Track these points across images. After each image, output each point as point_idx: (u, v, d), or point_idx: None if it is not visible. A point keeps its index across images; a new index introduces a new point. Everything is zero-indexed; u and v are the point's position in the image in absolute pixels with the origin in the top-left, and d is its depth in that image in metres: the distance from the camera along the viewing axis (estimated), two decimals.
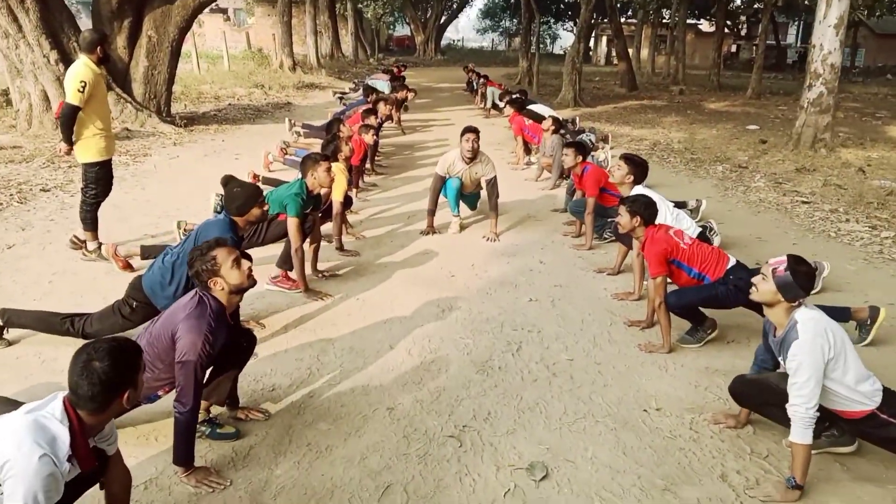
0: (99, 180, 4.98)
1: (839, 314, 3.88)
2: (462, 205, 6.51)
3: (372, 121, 8.22)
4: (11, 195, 6.58)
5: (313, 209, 4.84)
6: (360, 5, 40.19)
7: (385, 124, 11.22)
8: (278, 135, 10.71)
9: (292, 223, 4.44)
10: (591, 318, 4.40)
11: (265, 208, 3.63)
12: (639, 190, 4.77)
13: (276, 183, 7.13)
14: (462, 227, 6.38)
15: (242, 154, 9.58)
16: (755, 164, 10.18)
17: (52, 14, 9.38)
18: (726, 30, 31.66)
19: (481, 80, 17.69)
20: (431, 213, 6.18)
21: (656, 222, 4.08)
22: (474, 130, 6.00)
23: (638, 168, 4.86)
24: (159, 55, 10.77)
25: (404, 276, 5.06)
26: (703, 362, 3.88)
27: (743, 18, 38.43)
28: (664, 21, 34.84)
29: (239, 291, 2.80)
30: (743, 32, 44.29)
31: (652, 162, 10.33)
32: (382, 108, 9.39)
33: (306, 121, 11.98)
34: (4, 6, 8.67)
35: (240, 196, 3.55)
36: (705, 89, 24.58)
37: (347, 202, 5.74)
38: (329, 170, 4.66)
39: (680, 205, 6.22)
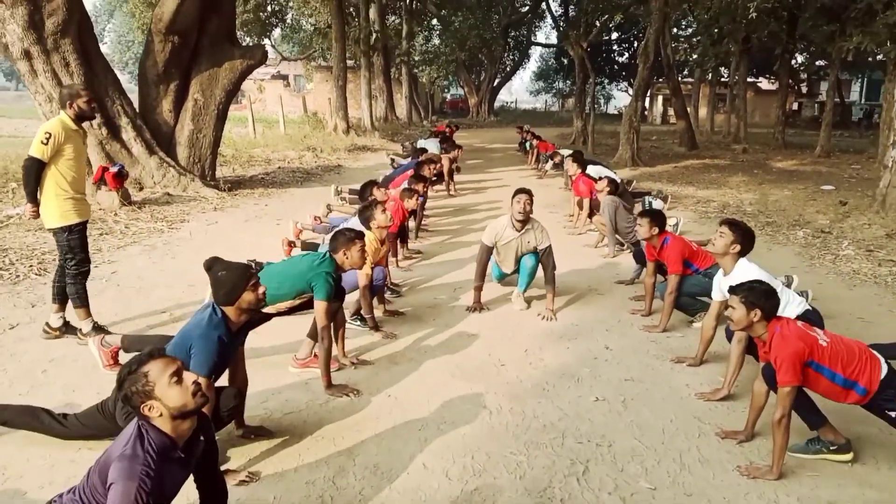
0: (74, 248, 4.46)
1: None
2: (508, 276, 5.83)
3: (419, 186, 7.69)
4: (31, 266, 6.19)
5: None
6: (415, 70, 40.95)
7: (435, 186, 10.72)
8: (324, 198, 10.30)
9: (321, 307, 3.80)
10: (673, 427, 3.57)
11: (260, 291, 3.02)
12: (745, 265, 3.99)
13: (314, 247, 6.60)
14: (528, 302, 5.69)
15: (285, 219, 9.14)
16: (839, 228, 9.20)
17: (96, 77, 9.30)
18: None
19: (535, 140, 17.22)
20: (478, 287, 5.49)
21: None
22: (527, 192, 5.38)
23: (745, 237, 4.09)
24: (205, 118, 10.61)
25: (446, 366, 4.34)
26: (825, 494, 3.00)
27: (804, 76, 37.44)
28: (722, 79, 34.11)
29: (183, 416, 2.13)
30: (804, 90, 43.12)
31: None
32: (427, 170, 8.87)
33: (354, 185, 11.60)
34: (49, 70, 8.58)
35: (226, 281, 2.95)
36: (769, 148, 23.63)
37: (376, 274, 5.12)
38: (363, 251, 4.06)
39: None
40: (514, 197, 5.38)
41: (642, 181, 13.27)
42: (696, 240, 8.24)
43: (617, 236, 7.62)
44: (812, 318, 3.83)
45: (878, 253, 7.75)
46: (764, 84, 43.17)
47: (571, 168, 9.47)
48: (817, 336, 3.14)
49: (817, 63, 27.44)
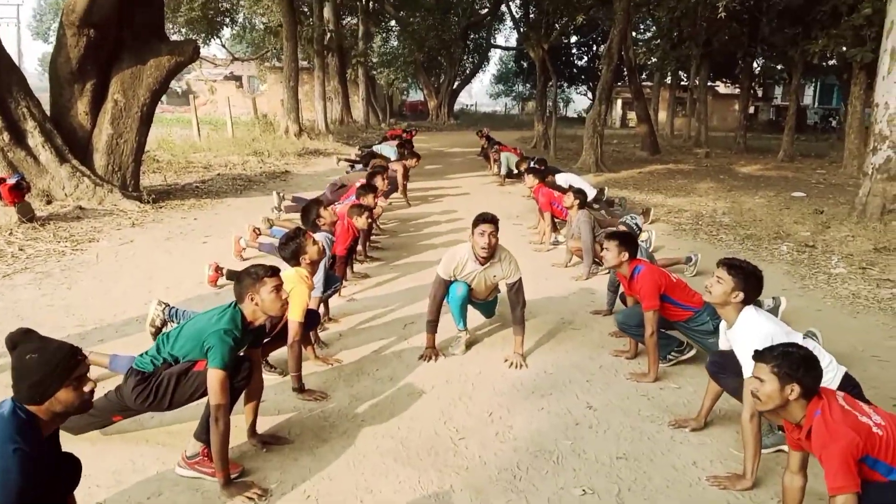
0: None
1: None
2: (472, 312, 4.89)
3: (368, 200, 6.71)
4: None
5: (252, 346, 3.23)
6: (372, 72, 39.83)
7: (388, 198, 9.77)
8: (264, 210, 9.24)
9: (215, 377, 2.81)
10: None
11: (86, 389, 2.04)
12: (751, 317, 3.10)
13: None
14: (469, 346, 4.73)
15: (214, 235, 8.05)
16: (822, 241, 8.53)
17: None
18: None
19: (495, 146, 16.39)
20: (432, 327, 4.50)
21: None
22: (492, 221, 4.31)
23: (749, 281, 3.18)
24: (126, 121, 9.37)
25: (388, 442, 3.37)
26: None
27: (761, 80, 37.52)
28: (682, 83, 33.95)
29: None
30: (760, 94, 43.30)
31: (699, 240, 8.76)
32: (380, 180, 7.89)
33: (300, 193, 10.56)
34: None
35: (35, 369, 1.97)
36: (731, 152, 23.46)
37: (312, 319, 4.13)
38: (278, 290, 3.07)
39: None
40: (475, 226, 4.34)
41: (609, 188, 12.51)
42: (671, 256, 7.58)
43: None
44: (849, 385, 2.99)
45: (871, 271, 7.07)
46: (721, 88, 43.27)
47: (528, 180, 8.59)
48: (870, 420, 2.29)
49: (779, 67, 27.22)
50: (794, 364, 2.32)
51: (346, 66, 34.34)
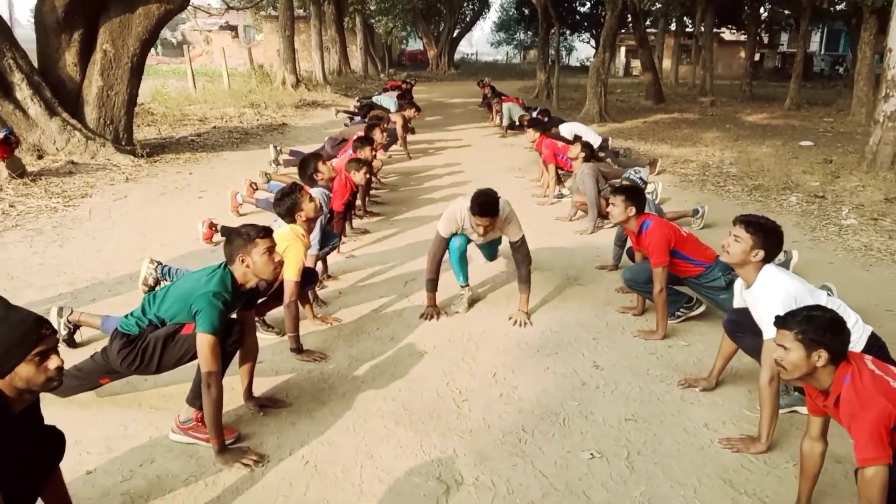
0: None
1: None
2: (476, 269, 4.74)
3: (366, 153, 6.50)
4: None
5: (245, 308, 3.09)
6: (370, 20, 38.85)
7: (388, 150, 9.54)
8: (261, 164, 9.03)
9: (205, 342, 2.68)
10: (699, 499, 2.59)
11: (52, 367, 1.90)
12: (772, 276, 2.94)
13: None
14: (471, 303, 4.59)
15: (210, 190, 7.86)
16: (832, 192, 8.34)
17: None
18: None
19: (497, 97, 16.02)
20: (432, 286, 4.35)
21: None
22: (488, 213, 4.00)
23: (769, 238, 2.99)
24: (117, 73, 9.05)
25: (388, 405, 3.26)
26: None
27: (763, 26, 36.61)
28: (687, 30, 33.13)
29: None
30: (766, 40, 42.33)
31: (706, 191, 8.56)
32: (378, 132, 7.66)
33: (297, 146, 10.31)
34: None
35: None
36: (736, 100, 23.02)
37: (309, 278, 3.98)
38: (271, 252, 2.91)
39: None
40: (472, 213, 4.05)
41: (613, 139, 12.23)
42: (677, 209, 7.39)
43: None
44: (875, 346, 2.85)
45: (883, 222, 6.92)
46: (726, 35, 42.29)
47: (529, 134, 8.31)
48: None
49: (786, 12, 26.44)
50: (819, 328, 2.17)
51: (344, 14, 33.52)
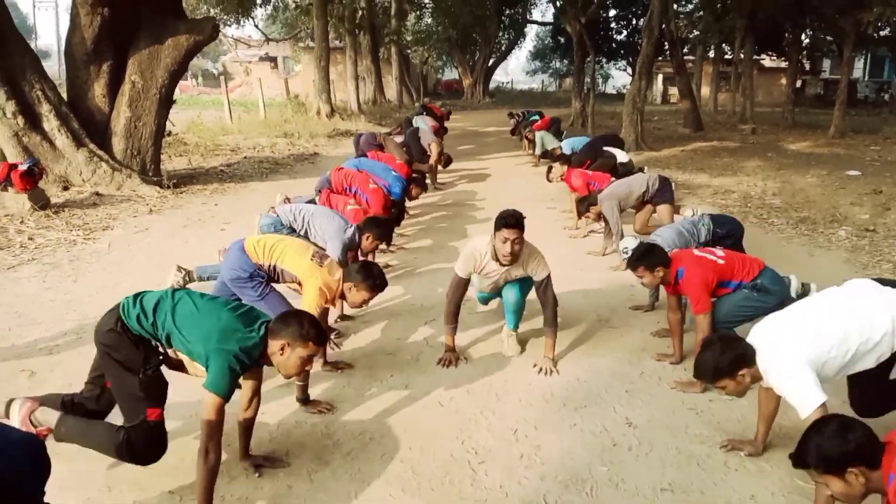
0: None
1: None
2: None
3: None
4: None
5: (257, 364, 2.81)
6: (406, 50, 39.21)
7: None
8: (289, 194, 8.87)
9: (211, 404, 2.42)
10: None
11: None
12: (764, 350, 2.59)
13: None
14: (522, 343, 4.30)
15: (234, 223, 7.73)
16: (883, 225, 7.85)
17: (11, 58, 7.83)
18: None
19: (528, 126, 15.72)
20: (451, 327, 4.07)
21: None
22: (516, 224, 3.74)
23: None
24: (144, 104, 9.08)
25: (397, 467, 2.96)
26: None
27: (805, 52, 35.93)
28: (725, 57, 32.64)
29: None
30: (807, 67, 41.51)
31: (749, 224, 8.11)
32: (415, 191, 7.61)
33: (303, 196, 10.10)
34: None
35: None
36: (778, 128, 22.41)
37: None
38: (308, 361, 2.69)
39: None
40: (497, 229, 3.80)
41: (650, 168, 11.85)
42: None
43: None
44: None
45: None
46: (766, 62, 41.62)
47: (555, 170, 8.05)
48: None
49: (828, 38, 25.84)
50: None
51: (379, 44, 33.88)
